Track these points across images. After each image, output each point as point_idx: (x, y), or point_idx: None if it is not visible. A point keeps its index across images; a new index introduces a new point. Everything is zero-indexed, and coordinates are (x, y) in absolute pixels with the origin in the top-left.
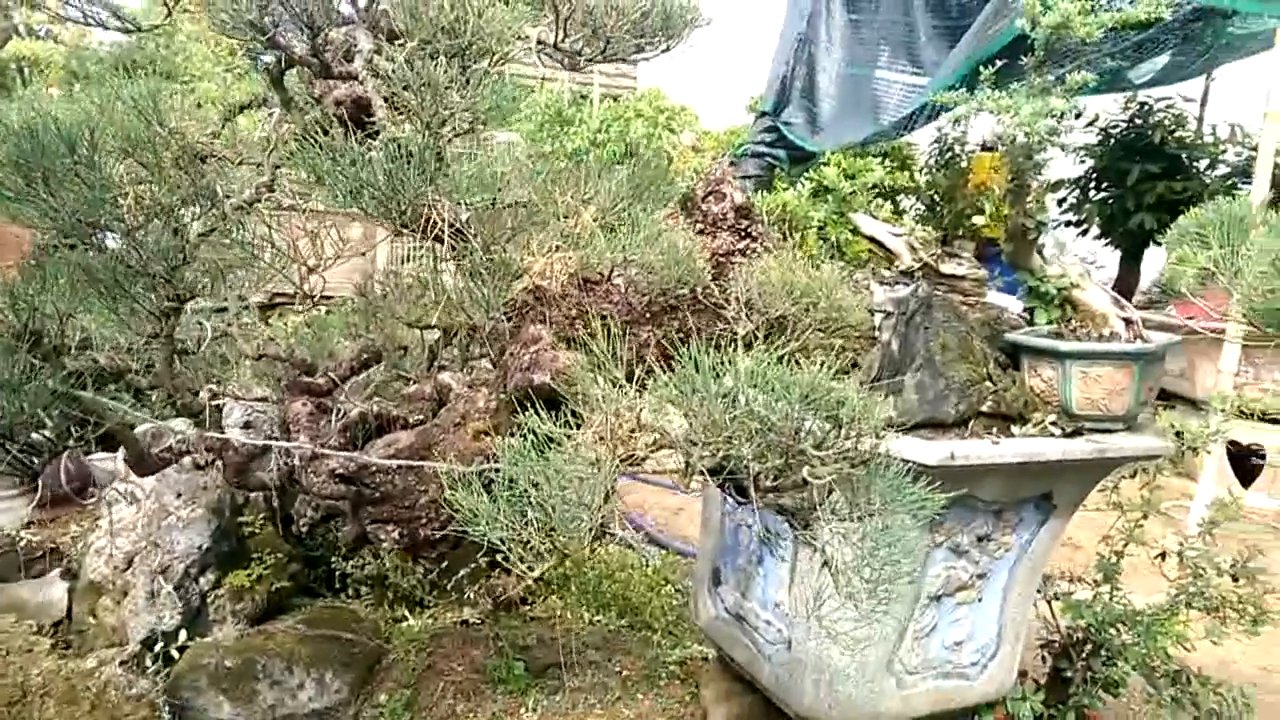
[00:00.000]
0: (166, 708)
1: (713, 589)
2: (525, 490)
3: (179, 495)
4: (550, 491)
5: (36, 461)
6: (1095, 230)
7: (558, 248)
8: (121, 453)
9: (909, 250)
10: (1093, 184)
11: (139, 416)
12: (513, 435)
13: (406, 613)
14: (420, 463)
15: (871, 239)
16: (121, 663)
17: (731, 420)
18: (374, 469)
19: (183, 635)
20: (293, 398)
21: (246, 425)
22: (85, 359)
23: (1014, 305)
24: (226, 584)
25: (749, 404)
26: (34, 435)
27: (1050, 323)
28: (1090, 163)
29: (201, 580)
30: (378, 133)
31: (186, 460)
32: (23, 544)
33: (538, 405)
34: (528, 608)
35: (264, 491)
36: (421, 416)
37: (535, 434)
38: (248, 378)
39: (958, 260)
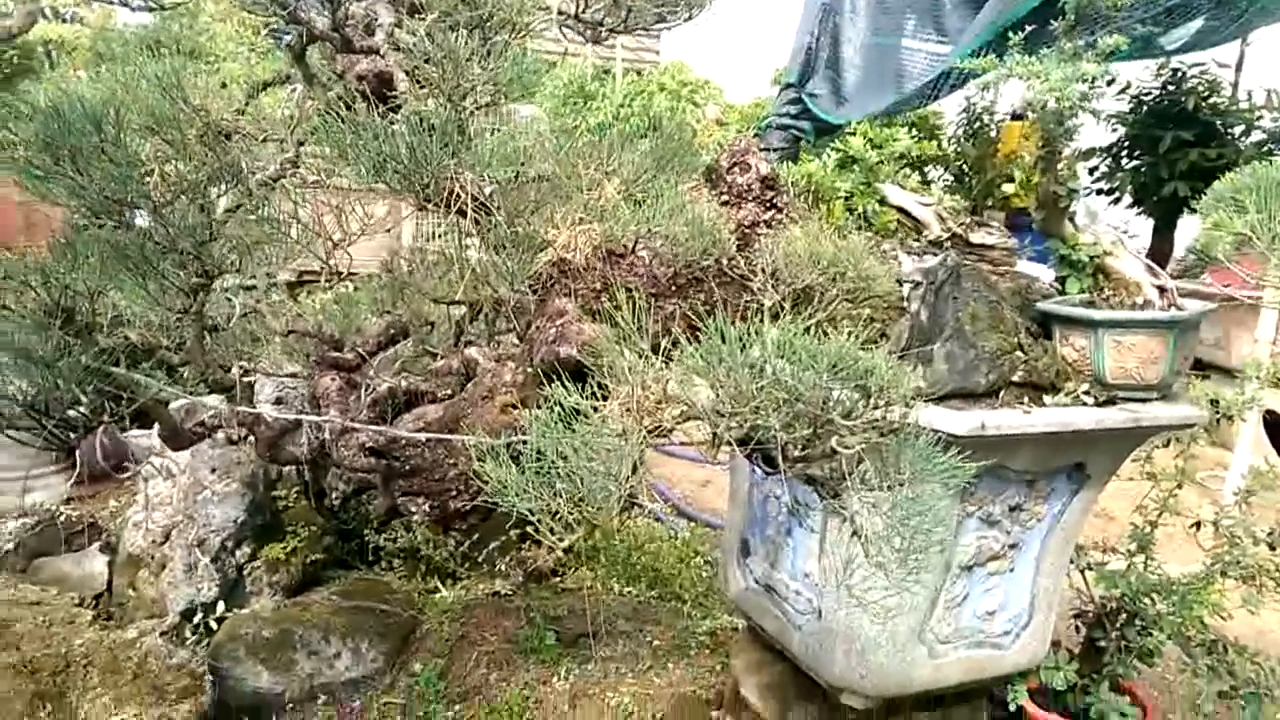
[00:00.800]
0: (207, 677)
1: (742, 560)
2: (553, 462)
3: (213, 470)
4: (578, 463)
5: (72, 437)
6: (1127, 199)
7: (581, 220)
8: (156, 428)
9: (937, 220)
10: (1125, 152)
11: (172, 392)
12: (540, 408)
13: (439, 584)
14: (449, 436)
15: (899, 209)
16: (162, 633)
17: (759, 390)
18: (403, 442)
19: (220, 607)
20: (322, 373)
21: (278, 401)
22: (117, 336)
23: (1045, 275)
24: (262, 557)
25: (776, 374)
26: (69, 412)
27: (1082, 291)
28: (1122, 130)
29: (238, 553)
30: (400, 107)
31: (220, 435)
32: (63, 519)
33: (564, 378)
34: (558, 579)
35: (296, 466)
36: (449, 391)
37: (562, 406)
38: (278, 354)
39: (987, 230)
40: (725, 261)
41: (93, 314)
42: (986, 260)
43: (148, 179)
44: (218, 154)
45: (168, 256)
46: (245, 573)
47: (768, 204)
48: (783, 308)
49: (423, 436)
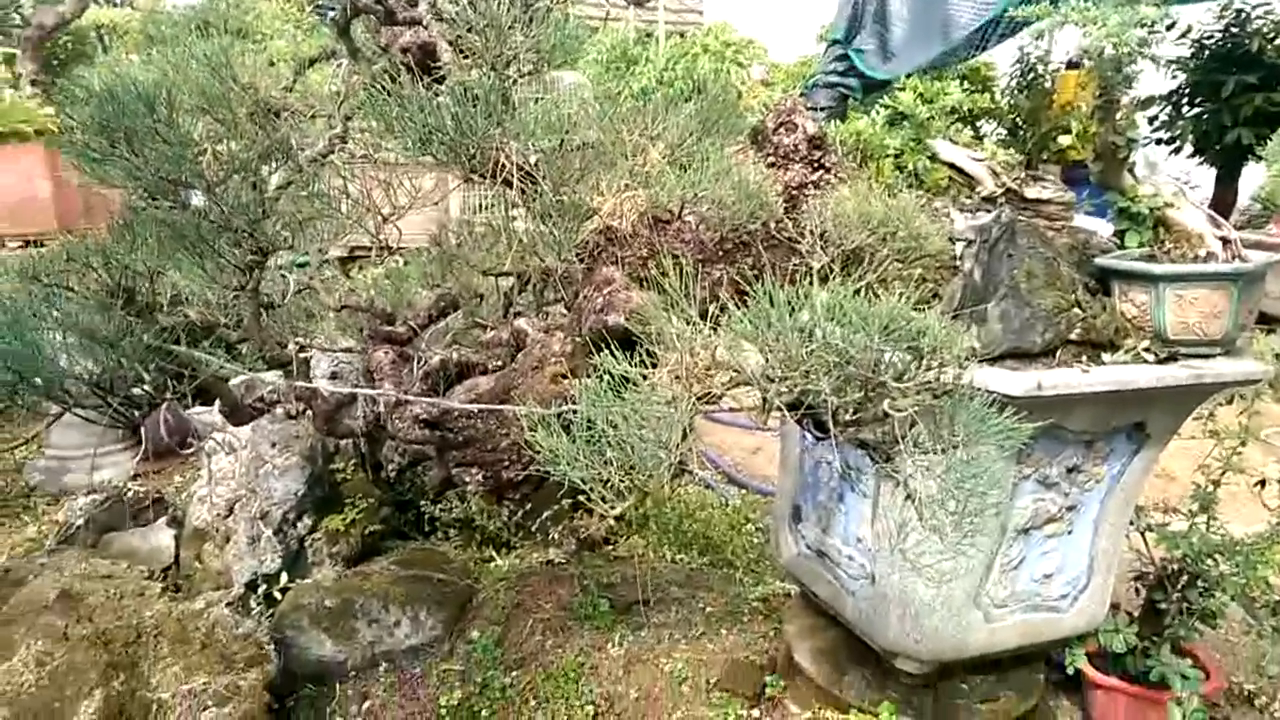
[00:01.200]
0: (272, 645)
1: (793, 526)
2: (604, 430)
3: (274, 444)
4: (628, 431)
5: (137, 415)
6: (1188, 148)
7: (627, 187)
8: (217, 405)
9: (990, 175)
10: (1185, 99)
11: (232, 369)
12: (589, 377)
13: (494, 553)
14: (500, 406)
15: (951, 165)
16: (228, 604)
17: (809, 354)
18: (456, 413)
19: (284, 577)
20: (375, 347)
21: (333, 376)
22: (177, 315)
23: (1103, 229)
24: (322, 528)
25: (826, 337)
26: (133, 390)
27: (1142, 245)
28: (1182, 76)
29: (299, 525)
30: (444, 78)
31: (278, 410)
32: (130, 495)
33: (613, 346)
34: (610, 547)
35: (353, 439)
36: (500, 362)
37: (611, 375)
38: (332, 329)
39: (1042, 184)
40: (773, 224)
41: (153, 293)
42: (1042, 215)
43: (201, 158)
44: (268, 132)
45: (223, 235)
46: (306, 544)
47: (815, 164)
48: (832, 270)
49: (475, 407)
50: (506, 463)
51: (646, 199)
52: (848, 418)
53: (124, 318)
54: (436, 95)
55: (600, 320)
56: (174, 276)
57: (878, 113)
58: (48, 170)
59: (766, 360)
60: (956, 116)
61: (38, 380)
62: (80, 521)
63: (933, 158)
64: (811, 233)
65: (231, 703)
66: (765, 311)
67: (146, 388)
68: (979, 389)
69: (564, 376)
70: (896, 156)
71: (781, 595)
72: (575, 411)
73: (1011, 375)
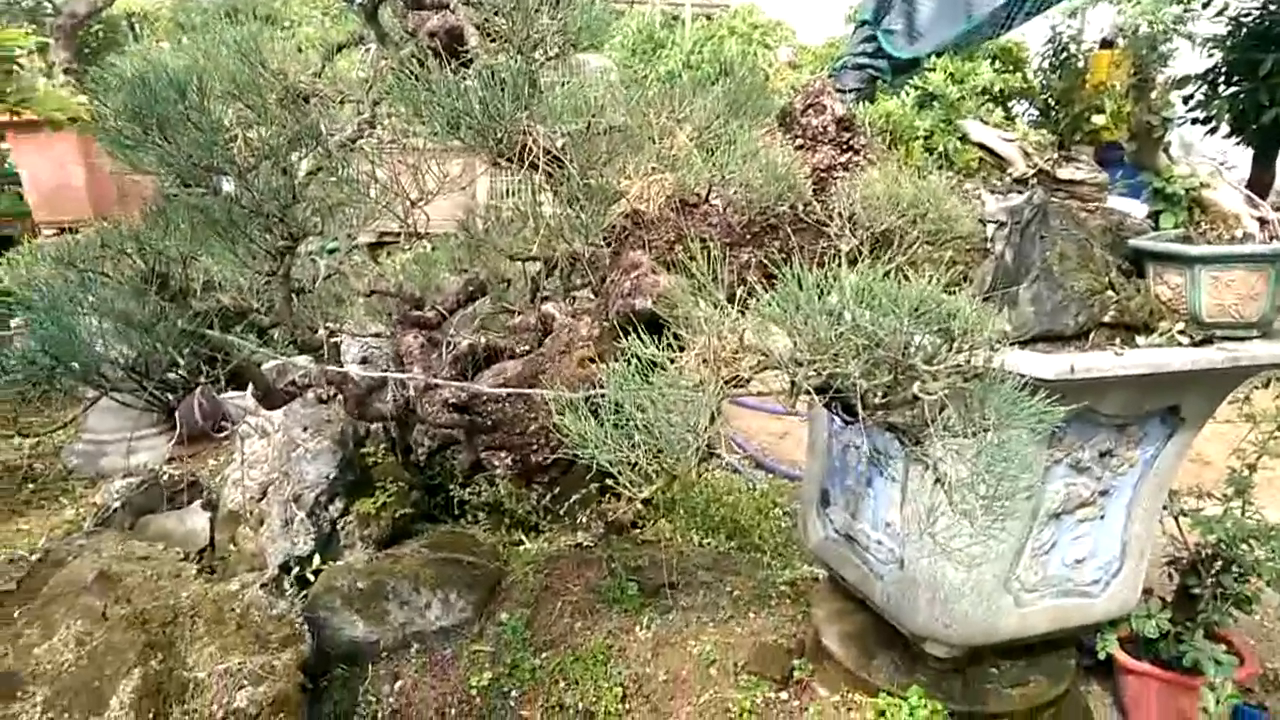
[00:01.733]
0: (306, 626)
1: (821, 510)
2: (631, 414)
3: (305, 428)
4: (656, 415)
5: (172, 399)
6: (1225, 127)
7: (654, 170)
8: (250, 389)
9: (1022, 156)
10: (1221, 77)
11: (264, 354)
12: (617, 361)
13: (522, 537)
14: (528, 391)
15: (982, 146)
16: (262, 585)
17: (838, 337)
18: (485, 397)
19: (316, 560)
20: (404, 331)
21: (363, 361)
22: (210, 300)
23: (1138, 210)
24: (354, 511)
25: (855, 320)
26: (168, 374)
27: (1177, 226)
28: (1218, 55)
29: (331, 508)
30: (471, 62)
31: (310, 394)
32: (165, 478)
33: (640, 330)
34: (638, 531)
35: (383, 422)
36: (527, 347)
37: (639, 358)
38: (361, 315)
39: (1075, 164)
40: (801, 207)
41: (186, 279)
42: (1075, 197)
43: (232, 144)
44: (297, 117)
45: (254, 220)
46: (338, 526)
47: (844, 146)
48: (861, 253)
49: (503, 391)
50: (535, 446)
51: (674, 182)
52: (877, 401)
53: (158, 303)
54: (464, 80)
55: (628, 304)
56: (206, 262)
57: (907, 94)
58: (81, 157)
59: (795, 344)
60: (988, 97)
61: (75, 365)
62: (117, 504)
63: (963, 139)
64: (840, 215)
65: (266, 682)
66: (793, 294)
67: (181, 372)
68: (1010, 372)
69: (591, 361)
70: (926, 138)
71: (809, 579)
72: (603, 395)
73: (1043, 358)
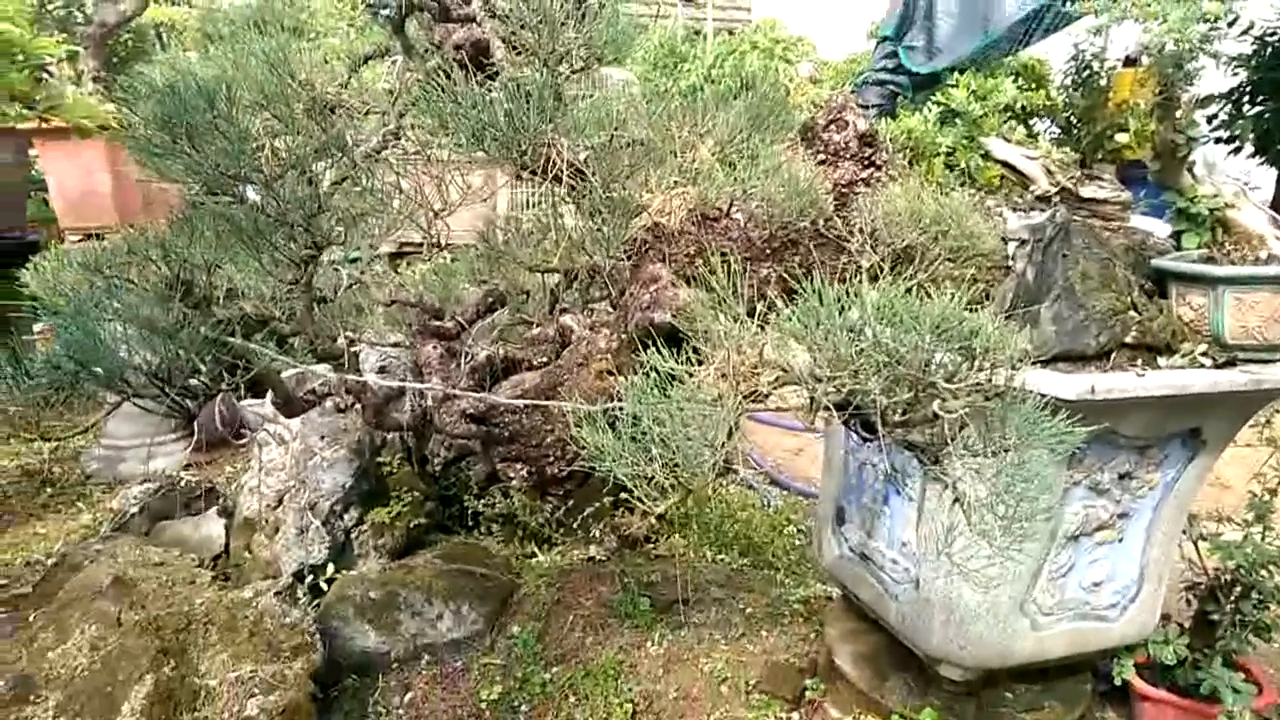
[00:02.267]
0: (318, 635)
1: (836, 528)
2: (649, 428)
3: (323, 437)
4: (673, 429)
5: (192, 405)
6: (1249, 147)
7: (676, 184)
8: (269, 396)
9: (1045, 174)
10: (1246, 97)
11: (284, 361)
12: (635, 374)
13: (536, 549)
14: (546, 402)
15: (1004, 164)
16: (276, 593)
17: (858, 354)
18: (502, 409)
19: (330, 568)
20: (423, 341)
21: (381, 370)
22: (233, 308)
23: (1161, 230)
24: (369, 520)
25: (876, 337)
26: (189, 381)
27: (1201, 246)
28: (1244, 74)
29: (346, 517)
30: (497, 74)
31: (329, 403)
32: (182, 484)
33: (659, 344)
34: (651, 546)
35: (400, 432)
36: (545, 358)
37: (657, 372)
38: (381, 324)
39: (1098, 183)
40: (822, 222)
41: (210, 286)
42: (1098, 215)
43: (259, 154)
44: (324, 128)
45: (278, 229)
46: (352, 535)
47: (866, 162)
48: (882, 269)
49: (521, 403)
50: (551, 458)
51: (695, 196)
52: (897, 419)
53: (182, 310)
54: (489, 92)
55: (646, 317)
56: (230, 270)
57: (929, 110)
58: (108, 165)
59: (814, 359)
60: (1010, 114)
61: (99, 370)
62: (134, 509)
63: (985, 155)
64: (861, 230)
65: (277, 691)
66: (814, 310)
67: (203, 379)
68: (1030, 391)
69: (609, 373)
70: (948, 154)
71: (822, 598)
72: (621, 408)
73: (1064, 378)
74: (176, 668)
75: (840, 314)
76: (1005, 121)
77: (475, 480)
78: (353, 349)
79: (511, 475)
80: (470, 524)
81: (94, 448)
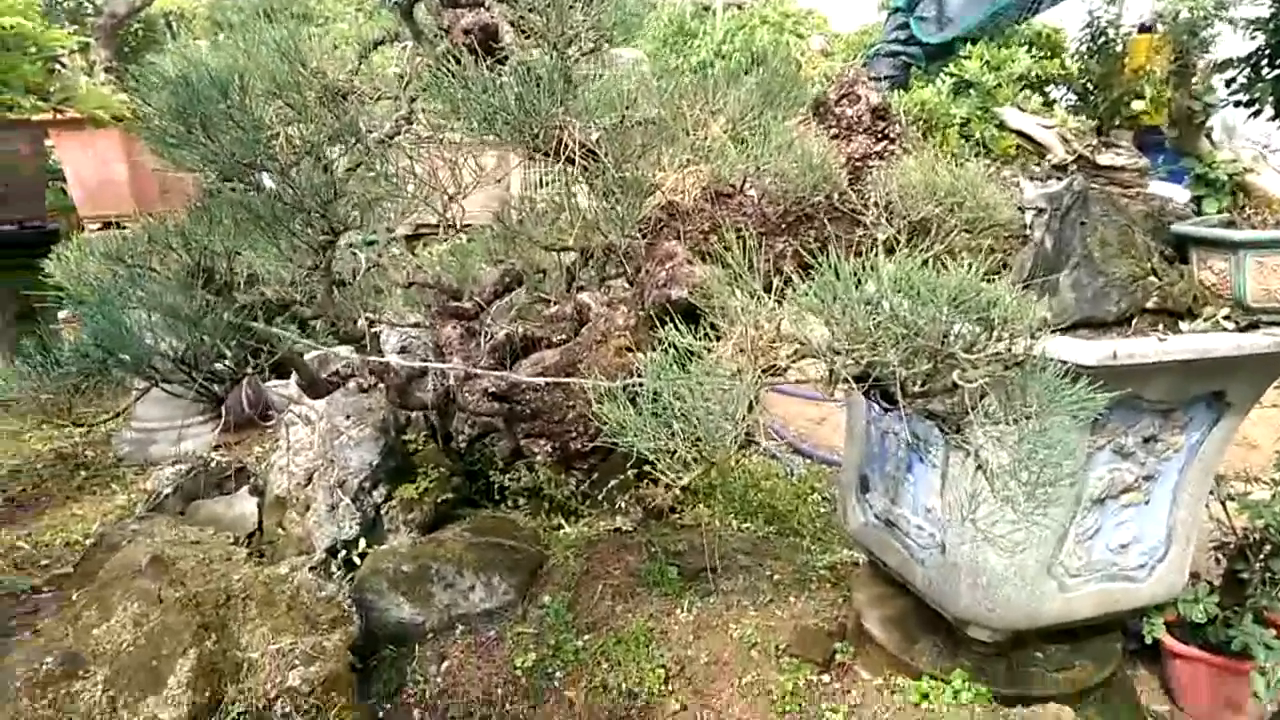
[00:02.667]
0: (354, 608)
1: (861, 496)
2: (669, 403)
3: (348, 416)
4: (694, 403)
5: (219, 389)
6: (1269, 110)
7: (689, 162)
8: (294, 378)
9: (1061, 143)
10: (1265, 60)
11: (307, 344)
12: (654, 350)
13: (562, 521)
14: (566, 380)
15: (1019, 133)
16: (311, 569)
17: (875, 326)
18: (524, 386)
19: (362, 543)
20: (443, 322)
21: (402, 350)
22: (254, 293)
23: (1179, 195)
24: (397, 497)
25: (893, 309)
26: (215, 365)
27: (1221, 211)
28: (1262, 38)
29: (374, 493)
30: (506, 58)
31: (352, 384)
32: (213, 464)
33: (676, 320)
34: (677, 516)
35: (424, 411)
36: (563, 335)
37: (676, 348)
38: (400, 305)
39: (1115, 150)
40: (837, 196)
41: (230, 273)
42: (1115, 183)
43: (273, 142)
44: (336, 114)
45: (295, 216)
46: (382, 512)
47: (879, 135)
48: (898, 241)
49: (541, 380)
50: (573, 434)
51: (708, 173)
52: (916, 389)
53: (204, 297)
54: (499, 76)
55: (663, 294)
56: (249, 256)
57: (943, 81)
58: (124, 154)
59: (833, 333)
60: (1025, 83)
61: (126, 357)
62: (168, 490)
63: (1000, 126)
64: (876, 204)
65: (317, 662)
66: (830, 284)
67: (228, 363)
68: (1051, 359)
69: (628, 350)
70: (963, 125)
71: (849, 563)
72: (641, 384)
73: (1085, 344)
74: (218, 642)
75: (857, 287)
76: (1020, 91)
77: (500, 456)
78: (374, 330)
79: (535, 451)
80: (497, 498)
81: (125, 431)
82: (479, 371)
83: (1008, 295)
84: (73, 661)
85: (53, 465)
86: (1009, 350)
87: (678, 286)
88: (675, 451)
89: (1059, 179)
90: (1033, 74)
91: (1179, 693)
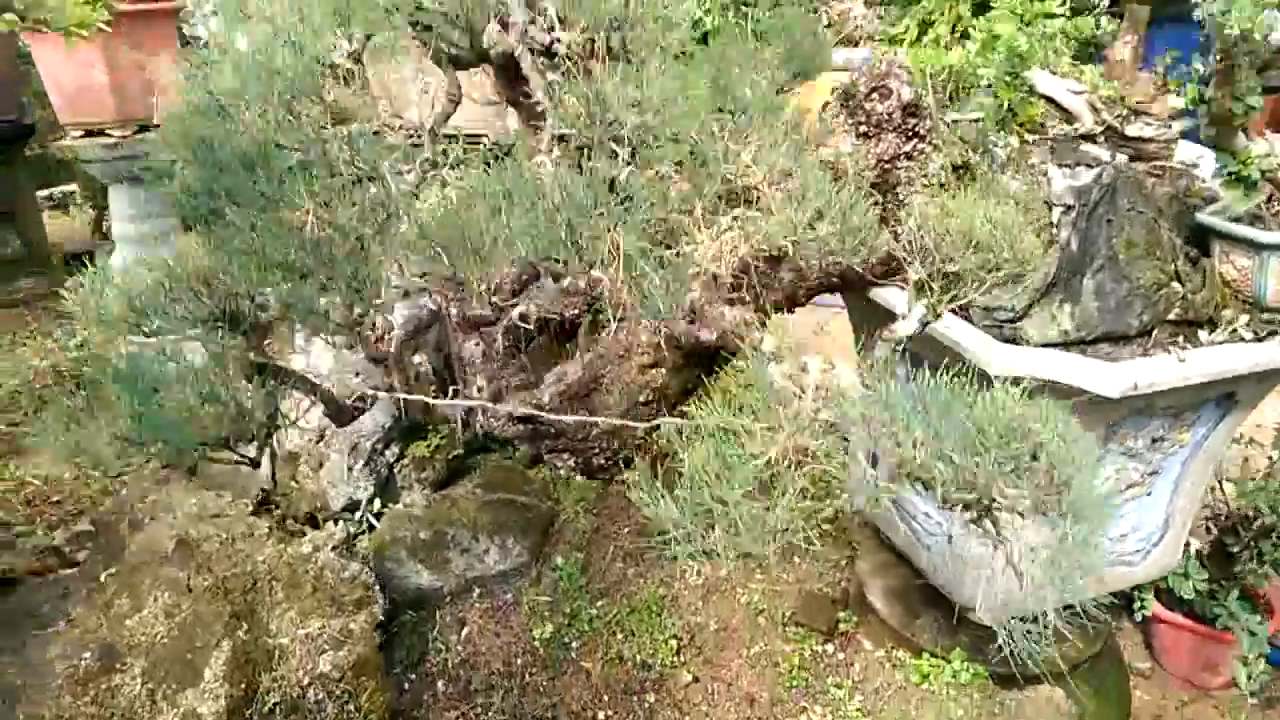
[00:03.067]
0: (377, 587)
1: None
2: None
3: (358, 374)
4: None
5: (253, 451)
6: None
7: (728, 214)
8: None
9: (1090, 111)
10: None
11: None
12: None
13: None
14: (589, 415)
15: (1048, 99)
16: (333, 548)
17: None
18: (548, 407)
19: (377, 503)
20: (464, 335)
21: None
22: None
23: (1206, 160)
24: (409, 455)
25: (940, 442)
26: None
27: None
28: None
29: (387, 453)
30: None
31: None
32: None
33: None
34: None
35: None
36: (575, 310)
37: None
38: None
39: (1145, 120)
40: (874, 260)
41: (256, 313)
42: (1142, 156)
43: (303, 228)
44: (365, 176)
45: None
46: (395, 470)
47: (909, 133)
48: (931, 288)
49: (567, 418)
50: (596, 450)
51: (753, 237)
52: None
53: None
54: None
55: (691, 333)
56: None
57: (972, 41)
58: (105, 61)
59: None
60: (1060, 39)
61: (164, 445)
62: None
63: (1030, 90)
64: (908, 244)
65: (345, 646)
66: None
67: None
68: (1072, 387)
69: (651, 367)
70: (988, 86)
71: (849, 513)
72: (668, 424)
73: (1107, 371)
74: (250, 630)
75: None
76: (1053, 48)
77: (520, 460)
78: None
79: (559, 465)
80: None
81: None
82: (495, 406)
83: (1054, 438)
84: (110, 655)
85: (52, 387)
86: (1050, 481)
87: (707, 329)
88: (713, 551)
89: (1089, 166)
90: (1068, 32)
91: (1161, 652)
